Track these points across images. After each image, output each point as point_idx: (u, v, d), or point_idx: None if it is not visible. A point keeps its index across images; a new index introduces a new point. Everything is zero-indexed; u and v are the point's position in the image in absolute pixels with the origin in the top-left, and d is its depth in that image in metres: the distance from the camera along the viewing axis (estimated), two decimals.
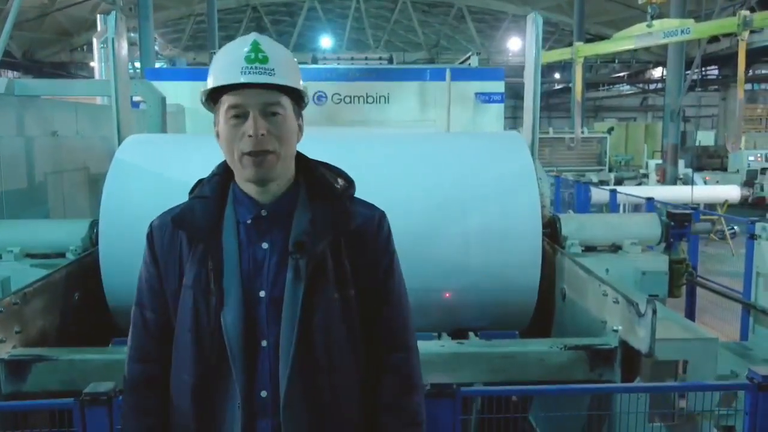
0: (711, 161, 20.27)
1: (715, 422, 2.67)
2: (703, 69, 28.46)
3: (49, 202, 5.65)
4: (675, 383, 2.67)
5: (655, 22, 14.13)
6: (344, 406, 1.58)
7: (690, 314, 5.32)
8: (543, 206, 3.67)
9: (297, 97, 1.60)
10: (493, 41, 33.54)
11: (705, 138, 24.65)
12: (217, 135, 1.59)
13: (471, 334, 3.55)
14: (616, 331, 2.83)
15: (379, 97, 7.75)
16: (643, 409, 2.52)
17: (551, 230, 3.98)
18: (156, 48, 22.56)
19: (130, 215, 3.36)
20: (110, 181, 3.61)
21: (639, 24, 15.06)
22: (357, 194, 1.70)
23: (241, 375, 1.51)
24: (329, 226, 1.57)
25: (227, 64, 1.55)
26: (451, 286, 3.51)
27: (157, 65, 18.58)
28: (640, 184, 15.96)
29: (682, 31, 13.58)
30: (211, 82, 1.57)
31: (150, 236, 1.64)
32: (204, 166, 1.72)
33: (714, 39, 21.56)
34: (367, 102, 7.74)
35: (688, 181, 14.22)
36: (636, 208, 10.39)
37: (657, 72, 34.23)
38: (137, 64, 18.95)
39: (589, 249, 4.05)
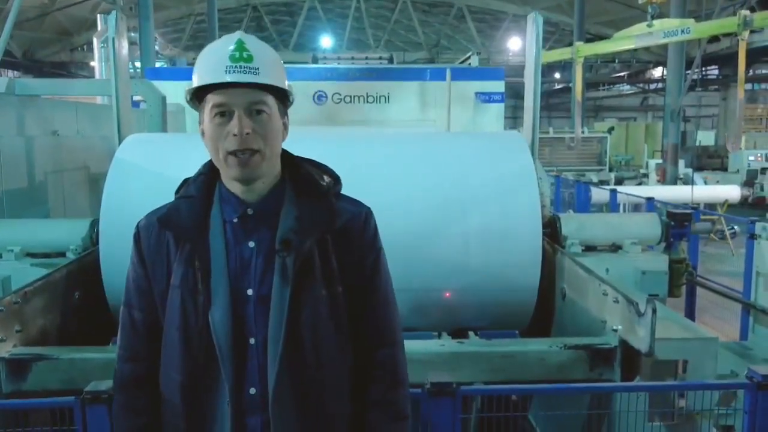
0: (711, 161, 20.28)
1: (715, 422, 2.67)
2: (703, 69, 28.45)
3: (50, 202, 5.65)
4: (674, 382, 2.67)
5: (656, 22, 14.13)
6: (332, 402, 1.60)
7: (690, 314, 5.32)
8: (543, 206, 3.67)
9: (282, 95, 1.61)
10: (494, 41, 33.54)
11: (705, 138, 24.67)
12: (202, 133, 1.59)
13: (471, 333, 3.56)
14: (616, 330, 2.84)
15: (380, 96, 7.76)
16: (643, 409, 2.52)
17: (551, 230, 3.98)
18: (156, 48, 22.57)
19: (130, 215, 3.32)
20: (111, 181, 3.61)
21: (639, 24, 15.04)
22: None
23: (229, 373, 1.52)
24: (316, 223, 1.57)
25: (212, 62, 1.55)
26: (452, 286, 3.52)
27: (158, 65, 18.58)
28: (640, 183, 15.96)
29: (683, 31, 13.57)
30: (195, 81, 1.57)
31: (137, 236, 1.65)
32: None
33: (714, 39, 21.55)
34: (367, 102, 7.75)
35: (688, 181, 14.21)
36: (636, 207, 10.39)
37: (657, 72, 34.23)
38: (137, 64, 18.96)
39: (589, 249, 4.05)
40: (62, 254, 3.74)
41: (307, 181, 1.63)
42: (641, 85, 37.80)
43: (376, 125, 7.47)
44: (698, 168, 17.16)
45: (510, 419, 2.40)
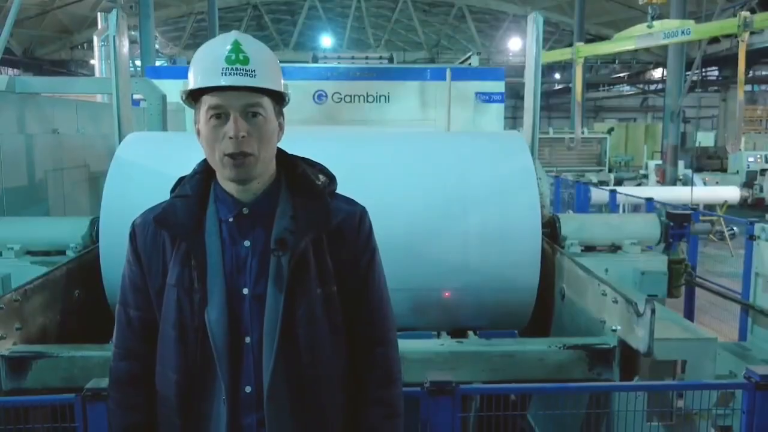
0: (711, 162, 20.27)
1: (713, 422, 2.68)
2: (703, 70, 28.51)
3: (50, 200, 5.66)
4: (673, 382, 2.68)
5: (656, 23, 14.14)
6: (327, 400, 1.60)
7: (689, 314, 5.33)
8: (542, 206, 3.67)
9: (278, 96, 1.60)
10: (494, 41, 33.55)
11: (705, 139, 24.66)
12: (198, 133, 1.59)
13: (470, 333, 3.56)
14: (614, 330, 2.84)
15: (380, 96, 7.76)
16: (641, 408, 2.53)
17: (551, 230, 3.98)
18: (156, 46, 22.58)
19: (130, 213, 3.31)
20: (111, 179, 3.61)
21: (639, 24, 15.05)
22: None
23: (225, 371, 1.53)
24: (311, 223, 1.58)
25: (208, 63, 1.54)
26: (451, 286, 3.52)
27: (158, 63, 18.58)
28: (639, 184, 15.97)
29: (683, 32, 13.58)
30: (191, 82, 1.57)
31: (133, 235, 1.65)
32: None
33: (714, 40, 21.56)
34: (367, 101, 7.75)
35: (687, 182, 14.23)
36: (635, 208, 10.40)
37: (657, 73, 34.26)
38: (138, 62, 18.96)
39: (589, 249, 4.06)
40: (62, 252, 3.74)
41: (303, 180, 1.63)
42: (641, 85, 37.83)
43: (376, 125, 7.47)
44: (698, 169, 17.16)
45: (509, 418, 2.40)
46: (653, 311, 2.49)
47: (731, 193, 13.30)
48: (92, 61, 17.72)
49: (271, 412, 1.53)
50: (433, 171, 3.68)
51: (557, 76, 37.58)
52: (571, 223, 4.07)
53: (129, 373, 1.64)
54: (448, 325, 3.60)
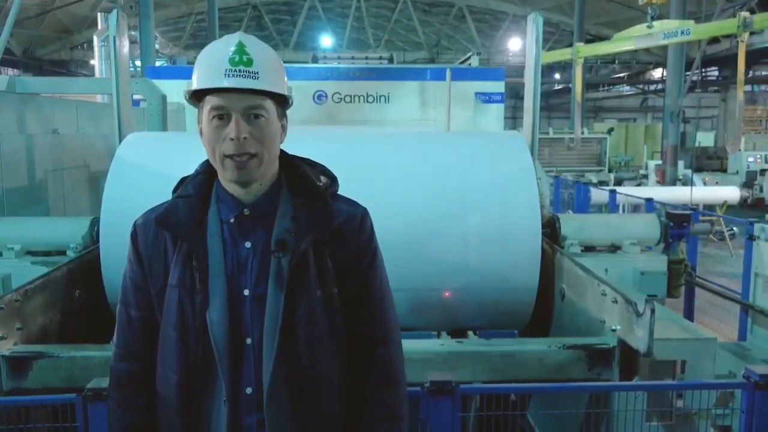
0: (710, 162, 20.29)
1: (712, 422, 2.68)
2: (703, 70, 28.51)
3: (50, 200, 5.66)
4: (672, 382, 2.68)
5: (656, 23, 14.15)
6: (327, 401, 1.60)
7: (689, 314, 5.34)
8: (542, 206, 3.68)
9: (281, 98, 1.60)
10: (494, 41, 33.56)
11: (705, 139, 24.65)
12: (201, 132, 1.59)
13: (470, 333, 3.57)
14: (614, 330, 2.85)
15: (380, 96, 7.77)
16: (641, 408, 2.53)
17: (551, 230, 3.99)
18: (156, 46, 22.59)
19: (131, 213, 3.31)
20: (111, 179, 3.62)
21: (639, 25, 15.06)
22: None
23: (226, 372, 1.53)
24: (312, 224, 1.57)
25: (212, 64, 1.54)
26: (451, 286, 3.52)
27: (158, 63, 18.59)
28: (639, 184, 15.98)
29: (682, 32, 13.59)
30: (195, 83, 1.57)
31: (134, 235, 1.65)
32: None
33: (714, 40, 21.58)
34: (367, 101, 7.76)
35: (687, 182, 14.24)
36: (635, 208, 10.40)
37: (657, 73, 34.27)
38: (138, 63, 18.96)
39: (589, 249, 4.06)
40: (63, 252, 3.74)
41: (304, 181, 1.63)
42: (641, 86, 37.83)
43: (376, 125, 7.48)
44: (698, 169, 17.17)
45: (509, 418, 2.41)
46: (653, 311, 2.50)
47: (731, 193, 13.31)
48: (92, 62, 17.72)
49: (271, 412, 1.53)
50: (433, 171, 3.68)
51: (557, 76, 37.58)
52: (570, 223, 4.08)
53: (129, 373, 1.64)
54: (448, 325, 3.60)
